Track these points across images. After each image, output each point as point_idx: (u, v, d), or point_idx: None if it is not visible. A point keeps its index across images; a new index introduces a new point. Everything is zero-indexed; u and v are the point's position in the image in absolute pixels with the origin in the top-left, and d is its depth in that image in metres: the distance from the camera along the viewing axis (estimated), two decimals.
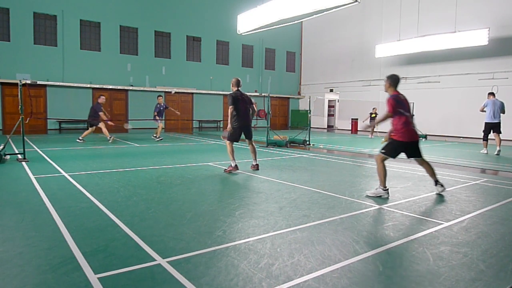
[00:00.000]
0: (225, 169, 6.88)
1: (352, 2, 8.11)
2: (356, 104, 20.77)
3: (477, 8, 17.13)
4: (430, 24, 18.45)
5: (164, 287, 2.38)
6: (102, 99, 12.36)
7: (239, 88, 6.85)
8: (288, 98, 27.10)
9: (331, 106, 26.40)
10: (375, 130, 17.22)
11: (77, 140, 12.07)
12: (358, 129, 20.28)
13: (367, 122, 16.72)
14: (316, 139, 15.03)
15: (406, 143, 5.05)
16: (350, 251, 3.05)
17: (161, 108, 13.49)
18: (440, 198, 5.08)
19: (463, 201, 4.95)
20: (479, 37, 15.30)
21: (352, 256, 2.93)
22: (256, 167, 7.10)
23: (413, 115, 17.44)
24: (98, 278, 2.47)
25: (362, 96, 22.02)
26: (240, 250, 3.01)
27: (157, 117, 13.44)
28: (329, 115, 26.46)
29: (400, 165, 8.25)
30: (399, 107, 4.99)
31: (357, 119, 20.81)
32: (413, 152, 5.21)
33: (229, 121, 6.76)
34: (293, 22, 10.82)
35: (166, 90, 20.86)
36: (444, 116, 18.55)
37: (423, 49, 17.17)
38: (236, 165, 6.78)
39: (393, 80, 5.18)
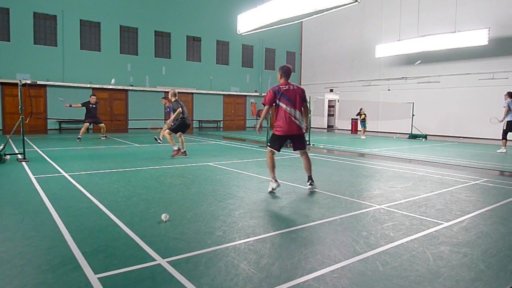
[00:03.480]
0: (172, 155, 8.61)
1: (352, 2, 8.10)
2: (356, 104, 20.74)
3: (477, 8, 17.12)
4: (430, 24, 18.44)
5: (164, 287, 2.38)
6: (92, 99, 12.98)
7: (177, 98, 8.78)
8: None
9: (331, 106, 26.38)
10: (366, 130, 17.47)
11: (78, 140, 12.30)
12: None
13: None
14: (316, 139, 15.04)
15: (284, 136, 5.22)
16: (350, 251, 3.05)
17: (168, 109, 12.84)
18: (440, 198, 5.08)
19: (463, 201, 4.95)
20: (479, 37, 15.30)
21: (352, 256, 2.93)
22: (183, 153, 8.79)
23: (413, 115, 17.74)
24: (98, 278, 2.47)
25: (362, 96, 22.02)
26: (240, 250, 3.01)
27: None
28: (329, 115, 26.45)
29: (400, 165, 8.25)
30: (277, 98, 5.08)
31: (357, 119, 20.76)
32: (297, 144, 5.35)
33: (172, 118, 8.73)
34: (293, 22, 10.81)
35: (166, 90, 20.84)
36: (444, 116, 18.56)
37: (423, 49, 17.16)
38: (179, 148, 8.63)
39: (283, 71, 5.21)
